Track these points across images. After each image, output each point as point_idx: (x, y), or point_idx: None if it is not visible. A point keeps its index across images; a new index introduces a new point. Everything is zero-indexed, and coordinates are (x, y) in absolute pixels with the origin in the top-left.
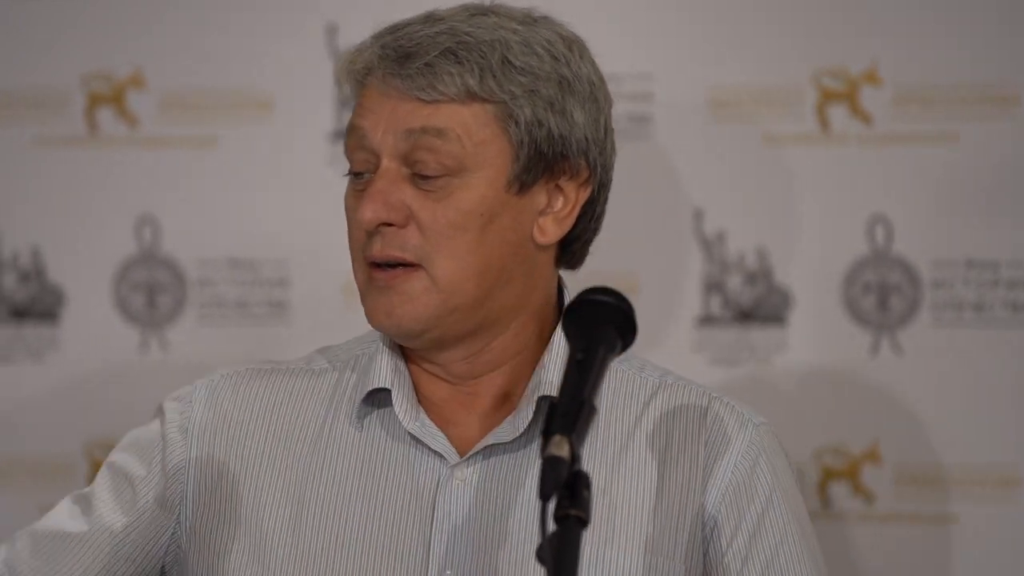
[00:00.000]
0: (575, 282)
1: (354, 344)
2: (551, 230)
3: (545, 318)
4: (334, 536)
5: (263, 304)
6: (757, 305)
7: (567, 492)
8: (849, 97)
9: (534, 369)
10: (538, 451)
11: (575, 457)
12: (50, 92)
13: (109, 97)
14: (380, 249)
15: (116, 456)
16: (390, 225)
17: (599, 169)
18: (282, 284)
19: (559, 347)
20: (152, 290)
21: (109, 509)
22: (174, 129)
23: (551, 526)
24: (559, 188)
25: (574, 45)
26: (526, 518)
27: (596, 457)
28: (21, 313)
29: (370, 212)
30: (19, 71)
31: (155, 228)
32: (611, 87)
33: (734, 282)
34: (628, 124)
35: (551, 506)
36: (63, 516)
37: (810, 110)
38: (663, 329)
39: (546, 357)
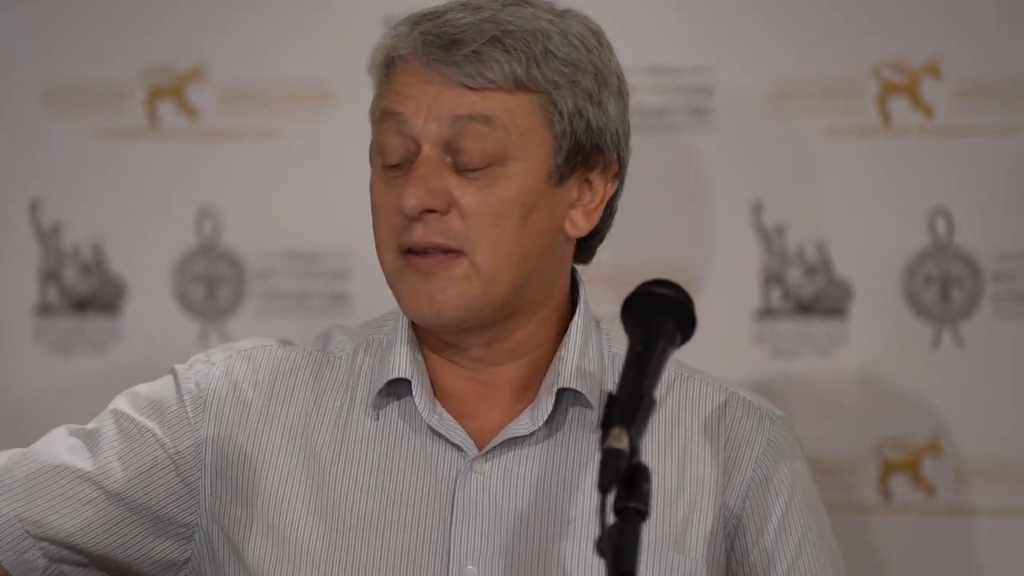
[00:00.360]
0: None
1: (365, 329)
2: (581, 223)
3: (564, 311)
4: (354, 529)
5: (322, 296)
6: (817, 298)
7: (626, 484)
8: (910, 90)
9: (551, 362)
10: (557, 444)
11: (634, 449)
12: (111, 85)
13: (170, 90)
14: (422, 235)
15: (124, 407)
16: (432, 212)
17: (624, 163)
18: (342, 276)
19: (576, 340)
20: (212, 282)
21: (116, 455)
22: (234, 121)
23: (610, 518)
24: (588, 182)
25: (602, 38)
26: (547, 511)
27: None
28: (83, 305)
29: (414, 198)
30: (80, 64)
31: (215, 220)
32: (671, 80)
33: (794, 275)
34: (688, 117)
35: (610, 498)
36: (61, 449)
37: (871, 103)
38: (722, 322)
39: (563, 350)
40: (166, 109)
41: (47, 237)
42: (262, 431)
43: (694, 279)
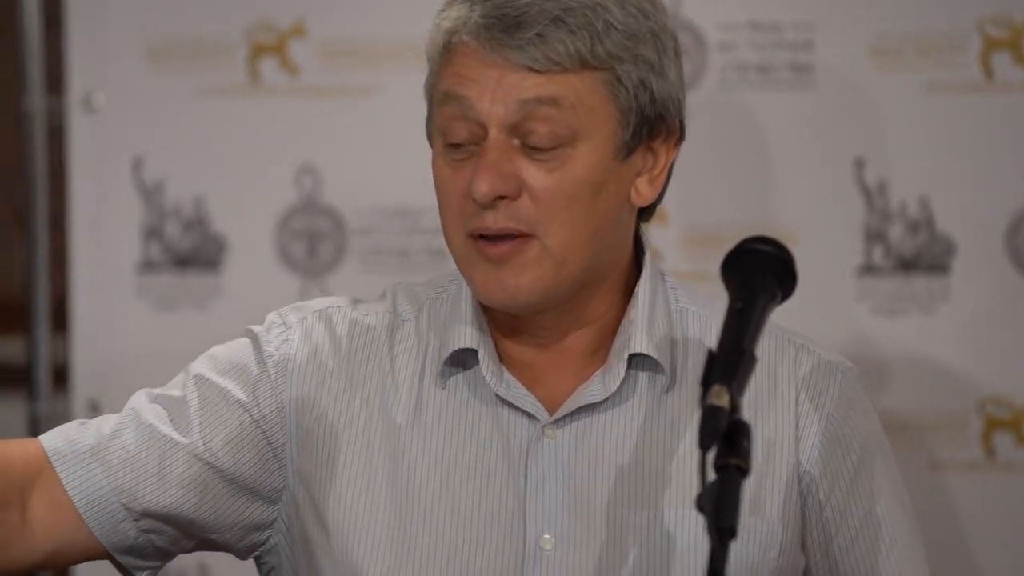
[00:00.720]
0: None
1: (427, 288)
2: (646, 191)
3: (631, 274)
4: (430, 500)
5: (423, 252)
6: (919, 254)
7: (726, 441)
8: (1013, 44)
9: (619, 325)
10: (630, 408)
11: (735, 406)
12: (214, 42)
13: (271, 47)
14: (493, 222)
15: (206, 372)
16: (503, 197)
17: (684, 128)
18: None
19: (644, 303)
20: (313, 238)
21: (204, 424)
22: (335, 78)
23: (710, 476)
24: (651, 150)
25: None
26: (622, 476)
27: (684, 412)
28: (185, 262)
29: (486, 185)
30: (183, 22)
31: (316, 177)
32: (772, 36)
33: (896, 231)
34: (789, 74)
35: (711, 456)
36: (151, 418)
37: (974, 58)
38: (824, 279)
39: (632, 312)
40: (268, 66)
41: (150, 194)
42: (342, 397)
43: (795, 236)
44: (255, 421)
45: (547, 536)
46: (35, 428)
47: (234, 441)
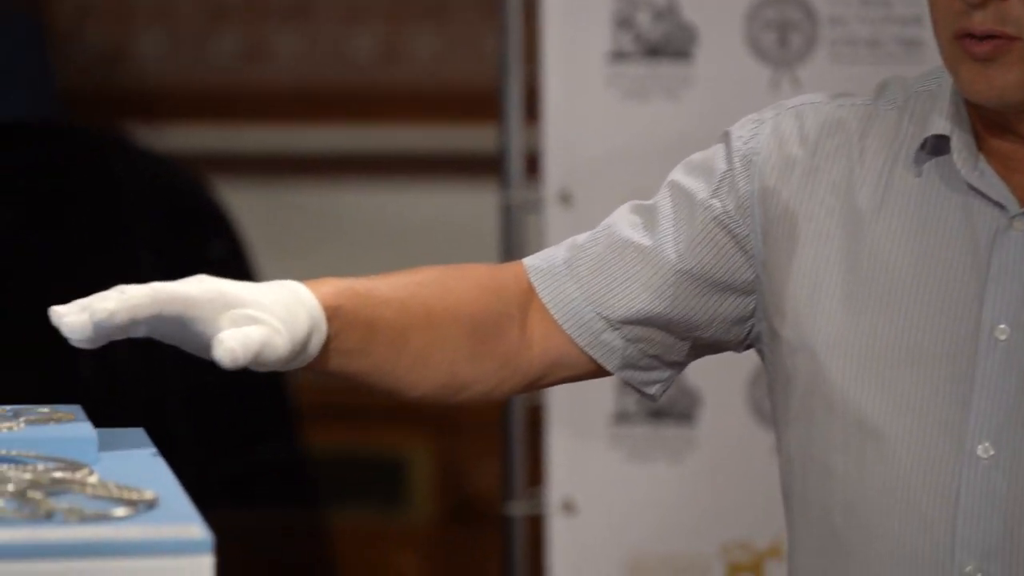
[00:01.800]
0: None
1: (921, 79)
2: None
3: None
4: (885, 284)
5: (895, 42)
6: None
7: None
8: None
9: None
10: None
11: None
12: None
13: None
14: (980, 22)
15: (679, 177)
16: None
17: None
18: (915, 22)
19: None
20: (783, 28)
21: (671, 226)
22: None
23: None
24: None
25: None
26: None
27: None
28: (656, 51)
29: None
30: None
31: None
32: None
33: None
34: None
35: None
36: (623, 227)
37: None
38: None
39: None
40: None
41: None
42: (805, 187)
43: None
44: (717, 218)
45: (1002, 326)
46: (507, 216)
47: (699, 240)
